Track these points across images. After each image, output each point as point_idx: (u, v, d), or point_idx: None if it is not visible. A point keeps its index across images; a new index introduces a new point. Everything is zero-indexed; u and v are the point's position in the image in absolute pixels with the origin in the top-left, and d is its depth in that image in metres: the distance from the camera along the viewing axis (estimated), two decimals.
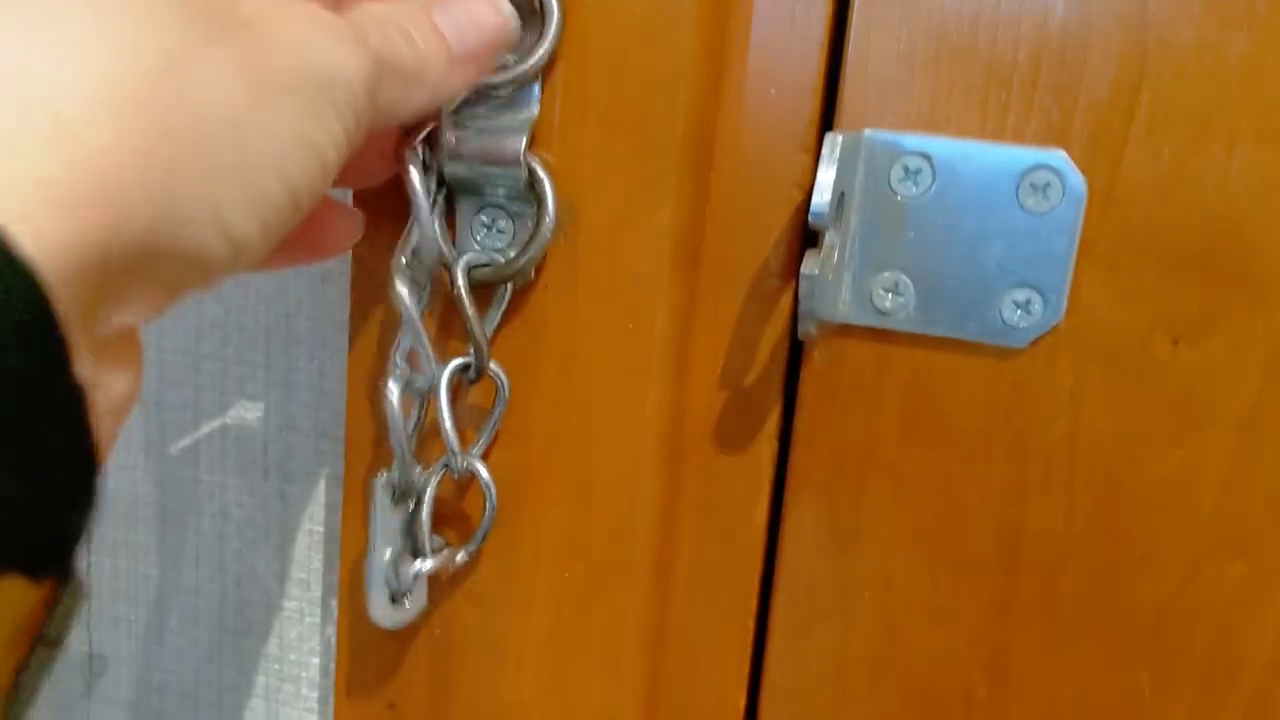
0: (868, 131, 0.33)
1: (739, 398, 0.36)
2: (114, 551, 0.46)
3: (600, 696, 0.39)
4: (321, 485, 0.43)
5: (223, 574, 0.45)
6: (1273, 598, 0.33)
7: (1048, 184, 0.32)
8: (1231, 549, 0.33)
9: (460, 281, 0.33)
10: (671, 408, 0.36)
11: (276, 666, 0.45)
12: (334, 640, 0.42)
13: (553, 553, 0.38)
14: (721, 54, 0.34)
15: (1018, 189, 0.32)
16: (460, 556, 0.36)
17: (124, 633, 0.47)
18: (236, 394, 0.43)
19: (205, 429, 0.44)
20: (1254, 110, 0.31)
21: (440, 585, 0.39)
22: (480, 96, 0.33)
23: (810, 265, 0.30)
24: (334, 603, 0.44)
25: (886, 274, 0.34)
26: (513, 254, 0.34)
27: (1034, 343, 0.33)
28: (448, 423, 0.34)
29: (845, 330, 0.35)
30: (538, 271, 0.35)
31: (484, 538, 0.37)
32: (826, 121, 0.34)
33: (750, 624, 0.38)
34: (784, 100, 0.34)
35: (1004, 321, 0.33)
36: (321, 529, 0.43)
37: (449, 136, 0.32)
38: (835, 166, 0.30)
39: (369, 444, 0.39)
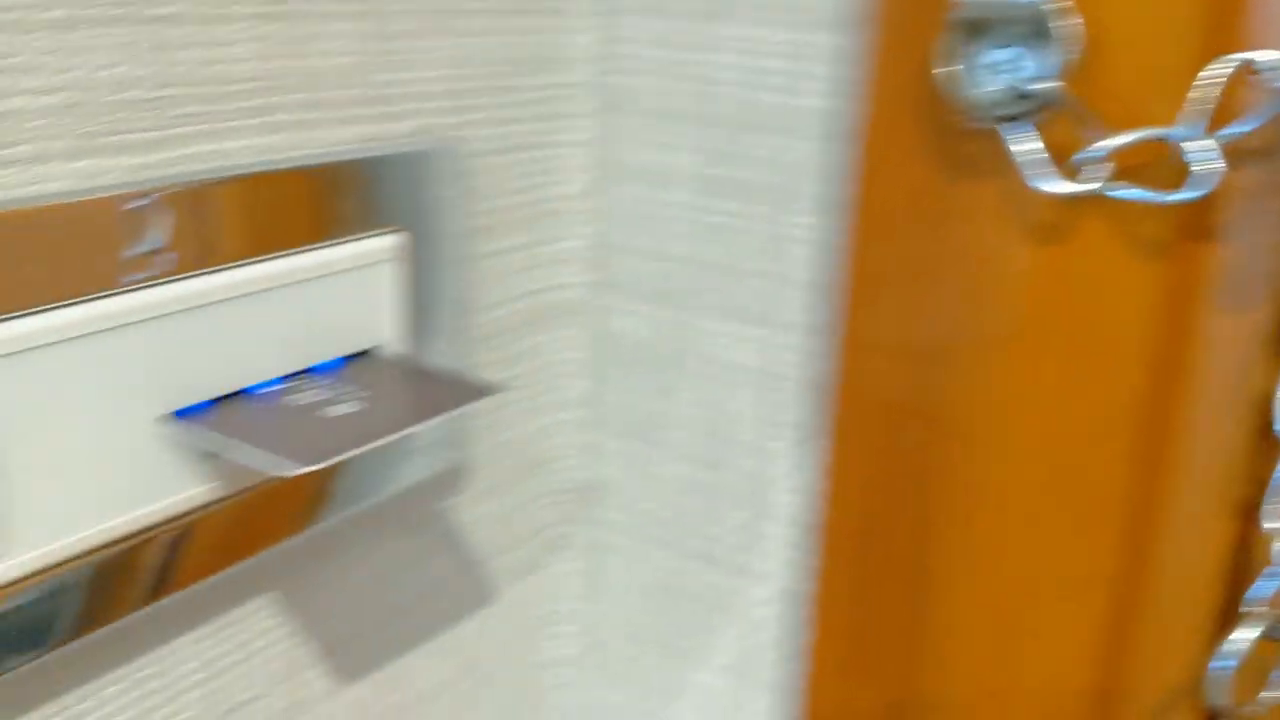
0: None
1: None
2: (617, 388, 0.51)
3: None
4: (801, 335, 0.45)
5: (712, 411, 0.48)
6: None
7: None
8: None
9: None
10: None
11: (759, 502, 0.48)
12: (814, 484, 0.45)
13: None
14: None
15: None
16: None
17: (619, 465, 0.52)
18: (731, 246, 0.46)
19: (705, 279, 0.47)
20: None
21: None
22: None
23: None
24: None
25: None
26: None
27: None
28: None
29: None
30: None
31: None
32: None
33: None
34: None
35: None
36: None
37: None
38: None
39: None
